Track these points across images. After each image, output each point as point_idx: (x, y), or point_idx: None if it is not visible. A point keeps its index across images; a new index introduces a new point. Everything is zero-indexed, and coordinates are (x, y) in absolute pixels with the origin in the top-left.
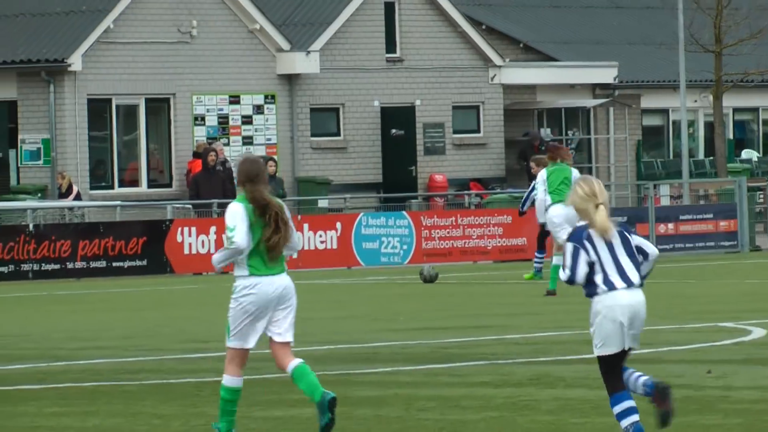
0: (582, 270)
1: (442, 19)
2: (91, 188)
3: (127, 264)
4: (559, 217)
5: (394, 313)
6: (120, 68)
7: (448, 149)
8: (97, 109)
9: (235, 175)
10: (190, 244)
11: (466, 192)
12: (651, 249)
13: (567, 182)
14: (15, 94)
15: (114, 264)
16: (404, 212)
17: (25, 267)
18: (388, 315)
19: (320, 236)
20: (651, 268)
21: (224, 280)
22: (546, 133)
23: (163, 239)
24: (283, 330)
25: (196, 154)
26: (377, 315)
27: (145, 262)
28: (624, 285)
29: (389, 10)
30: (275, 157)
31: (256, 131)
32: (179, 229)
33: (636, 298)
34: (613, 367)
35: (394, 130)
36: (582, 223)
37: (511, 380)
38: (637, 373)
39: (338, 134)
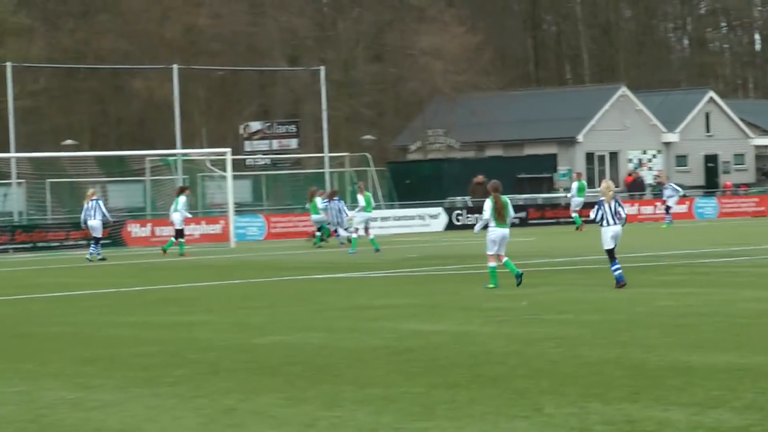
0: (598, 216)
1: (725, 118)
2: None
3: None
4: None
5: None
6: (604, 140)
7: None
8: (589, 157)
9: (489, 187)
10: None
11: None
12: (623, 213)
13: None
14: (555, 150)
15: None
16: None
17: (561, 221)
18: None
19: None
20: (624, 220)
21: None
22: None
23: None
24: (503, 251)
25: (630, 174)
26: None
27: None
28: (612, 223)
29: (707, 114)
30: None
31: (652, 167)
32: None
33: (617, 229)
34: (610, 253)
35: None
36: (602, 198)
37: None
38: (619, 267)
39: (688, 168)
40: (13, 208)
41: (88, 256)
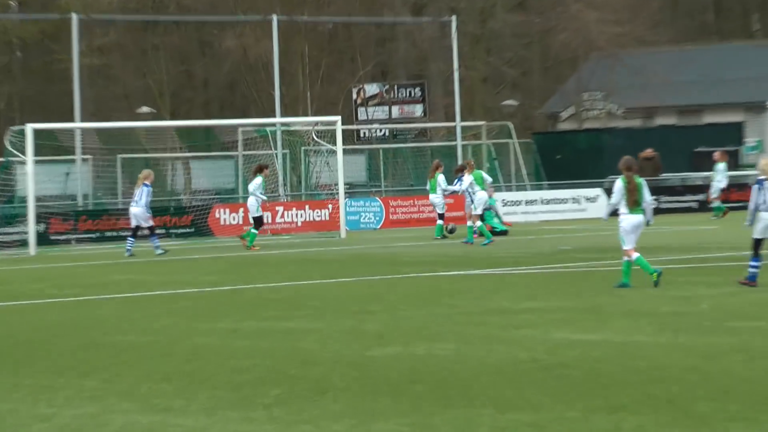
0: (760, 198)
1: None
2: None
3: None
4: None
5: None
6: None
7: None
8: None
9: (620, 166)
10: None
11: None
12: None
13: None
14: (742, 117)
15: None
16: None
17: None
18: None
19: None
20: None
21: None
22: None
23: None
24: (635, 241)
25: None
26: None
27: None
28: None
29: None
30: None
31: None
32: None
33: None
34: (757, 244)
35: None
36: (762, 177)
37: None
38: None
39: None
40: (77, 190)
41: (158, 252)
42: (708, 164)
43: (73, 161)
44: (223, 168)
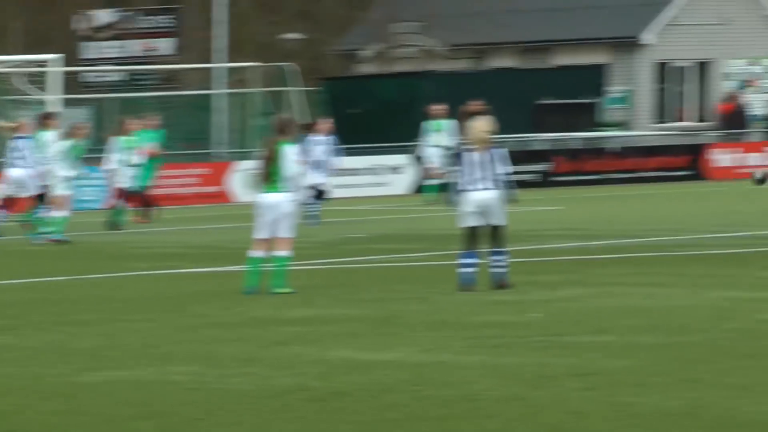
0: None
1: None
2: (655, 122)
3: (674, 174)
4: None
5: None
6: (687, 43)
7: None
8: (660, 70)
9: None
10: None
11: None
12: None
13: None
14: (606, 58)
15: (664, 174)
16: None
17: (611, 176)
18: None
19: None
20: None
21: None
22: None
23: (701, 156)
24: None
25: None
26: None
27: (689, 173)
28: None
29: None
30: None
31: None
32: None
33: None
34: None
35: None
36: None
37: None
38: None
39: None
40: None
41: None
42: (555, 122)
43: None
44: None
